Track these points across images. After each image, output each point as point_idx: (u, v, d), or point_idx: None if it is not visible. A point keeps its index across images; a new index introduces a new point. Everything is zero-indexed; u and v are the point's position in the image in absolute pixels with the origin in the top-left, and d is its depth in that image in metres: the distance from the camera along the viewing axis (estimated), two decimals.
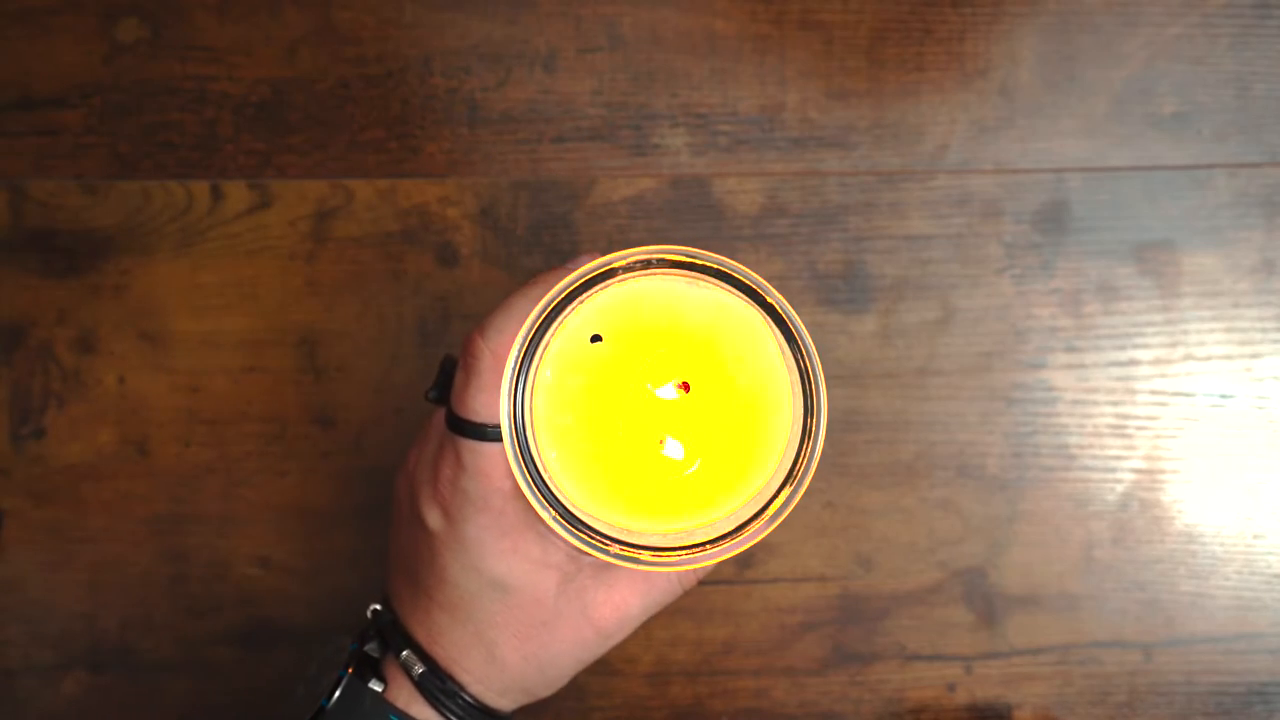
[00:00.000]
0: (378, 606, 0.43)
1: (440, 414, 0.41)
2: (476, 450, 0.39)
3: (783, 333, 0.35)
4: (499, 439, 0.37)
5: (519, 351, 0.34)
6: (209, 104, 0.54)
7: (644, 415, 0.36)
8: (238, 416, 0.54)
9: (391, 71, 0.54)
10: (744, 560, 0.54)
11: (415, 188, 0.54)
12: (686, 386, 0.36)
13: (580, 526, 0.34)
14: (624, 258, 0.34)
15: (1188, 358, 0.54)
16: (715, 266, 0.34)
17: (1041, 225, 0.54)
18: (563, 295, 0.34)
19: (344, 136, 0.54)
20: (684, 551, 0.35)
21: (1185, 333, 0.54)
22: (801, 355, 0.35)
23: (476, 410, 0.39)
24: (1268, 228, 0.54)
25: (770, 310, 0.35)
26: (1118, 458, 0.54)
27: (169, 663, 0.53)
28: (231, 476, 0.53)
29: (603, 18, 0.54)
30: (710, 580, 0.54)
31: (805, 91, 0.54)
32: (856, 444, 0.54)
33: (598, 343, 0.35)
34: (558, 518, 0.34)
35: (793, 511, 0.34)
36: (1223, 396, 0.54)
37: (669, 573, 0.41)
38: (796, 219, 0.54)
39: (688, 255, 0.34)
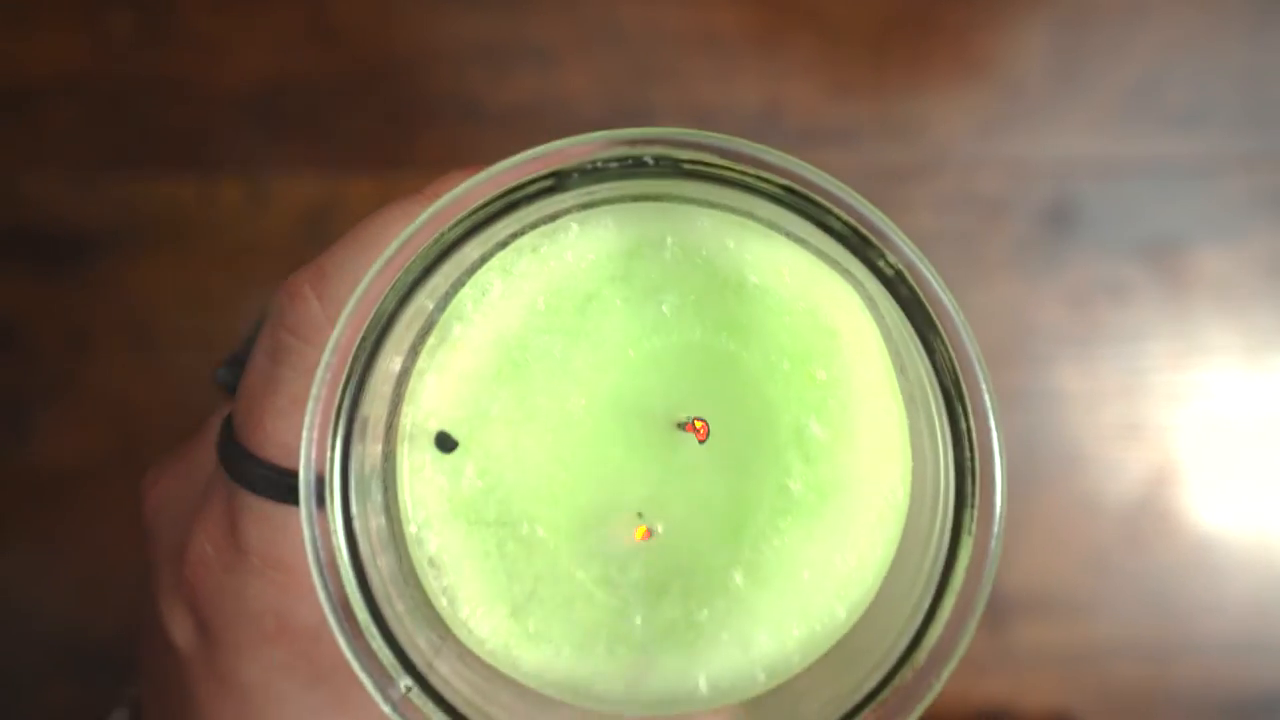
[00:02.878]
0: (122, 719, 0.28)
1: (214, 427, 0.24)
2: (269, 518, 0.22)
3: (916, 332, 0.18)
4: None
5: (365, 320, 0.18)
6: (203, 99, 0.54)
7: (615, 470, 0.20)
8: None
9: (389, 67, 0.54)
10: None
11: (412, 185, 0.54)
12: (701, 430, 0.20)
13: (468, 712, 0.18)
14: (590, 146, 0.18)
15: (1198, 357, 0.54)
16: (775, 181, 0.18)
17: (1049, 223, 0.54)
18: (474, 207, 0.18)
19: (340, 132, 0.53)
20: None
21: (1197, 331, 0.54)
22: (951, 382, 0.18)
23: (278, 438, 0.22)
24: (1279, 225, 0.54)
25: (893, 285, 0.18)
26: (1128, 459, 0.54)
27: None
28: None
29: (603, 13, 0.54)
30: None
31: (808, 87, 0.54)
32: None
33: (449, 450, 0.20)
34: (413, 695, 0.18)
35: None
36: (1234, 396, 0.53)
37: None
38: None
39: (713, 152, 0.18)
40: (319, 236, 0.54)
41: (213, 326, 0.54)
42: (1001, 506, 0.18)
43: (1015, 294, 0.55)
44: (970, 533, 0.18)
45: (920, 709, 0.18)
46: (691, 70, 0.55)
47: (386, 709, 0.17)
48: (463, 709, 0.17)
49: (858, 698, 0.17)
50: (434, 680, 0.17)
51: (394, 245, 0.18)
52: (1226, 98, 0.55)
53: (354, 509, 0.18)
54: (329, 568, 0.17)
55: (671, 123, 0.53)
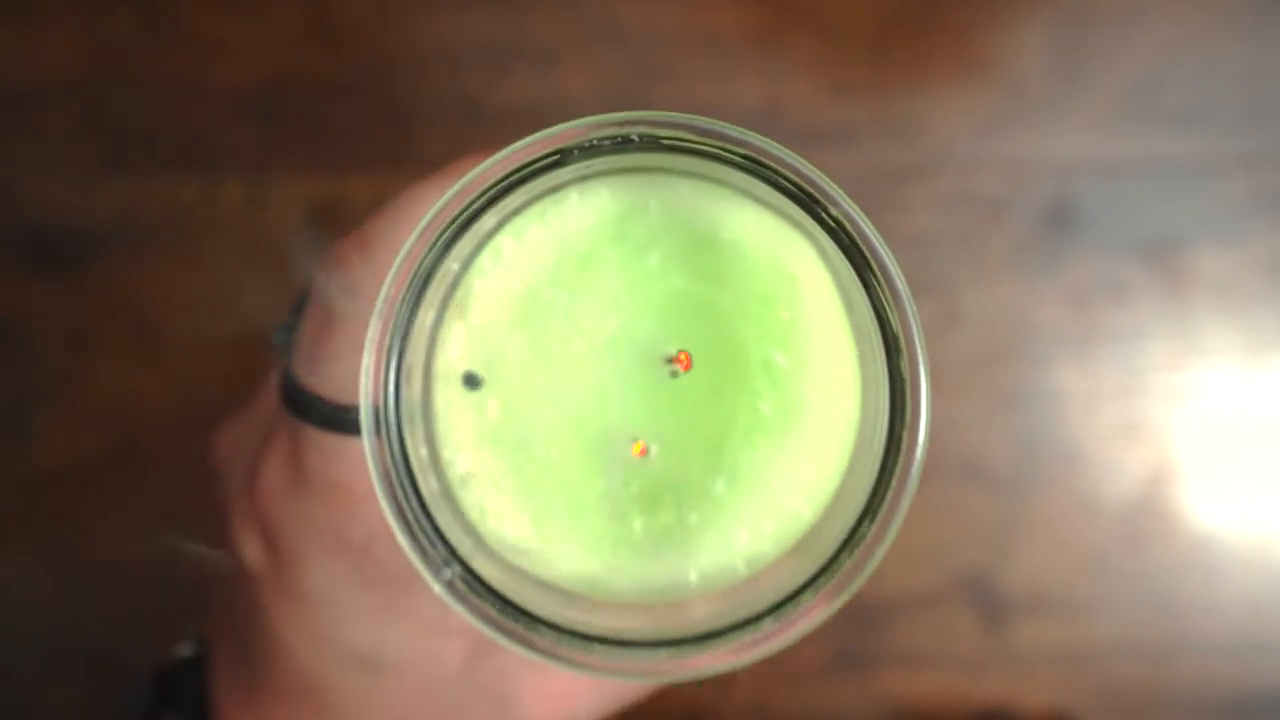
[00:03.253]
0: (188, 652, 0.31)
1: (270, 383, 0.28)
2: (326, 448, 0.25)
3: (857, 274, 0.22)
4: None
5: (410, 276, 0.21)
6: (203, 100, 0.54)
7: (614, 400, 0.23)
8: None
9: (389, 67, 0.54)
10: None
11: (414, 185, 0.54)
12: (685, 361, 0.23)
13: (495, 599, 0.21)
14: (586, 128, 0.22)
15: (1197, 357, 0.54)
16: (738, 151, 0.22)
17: (1049, 223, 0.54)
18: (493, 181, 0.22)
19: (340, 133, 0.54)
20: (672, 648, 0.21)
21: (1196, 331, 0.54)
22: (886, 313, 0.22)
23: (334, 378, 0.25)
24: (1279, 225, 0.54)
25: (836, 234, 0.22)
26: (1127, 459, 0.54)
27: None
28: None
29: (603, 12, 0.54)
30: None
31: (808, 86, 0.54)
32: None
33: (475, 387, 0.23)
34: (457, 581, 0.21)
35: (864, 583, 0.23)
36: (1233, 396, 0.54)
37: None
38: None
39: (687, 130, 0.22)
40: (320, 236, 0.54)
41: (214, 326, 0.54)
42: (926, 415, 0.22)
43: (1014, 294, 0.55)
44: (902, 436, 0.22)
45: (857, 585, 0.21)
46: (691, 70, 0.55)
47: (438, 589, 0.21)
48: (499, 589, 0.21)
49: (813, 573, 0.21)
50: (475, 567, 0.21)
51: (428, 216, 0.21)
52: (1226, 98, 0.55)
53: (405, 434, 0.21)
54: (388, 478, 0.21)
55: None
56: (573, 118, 0.57)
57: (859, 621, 0.54)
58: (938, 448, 0.55)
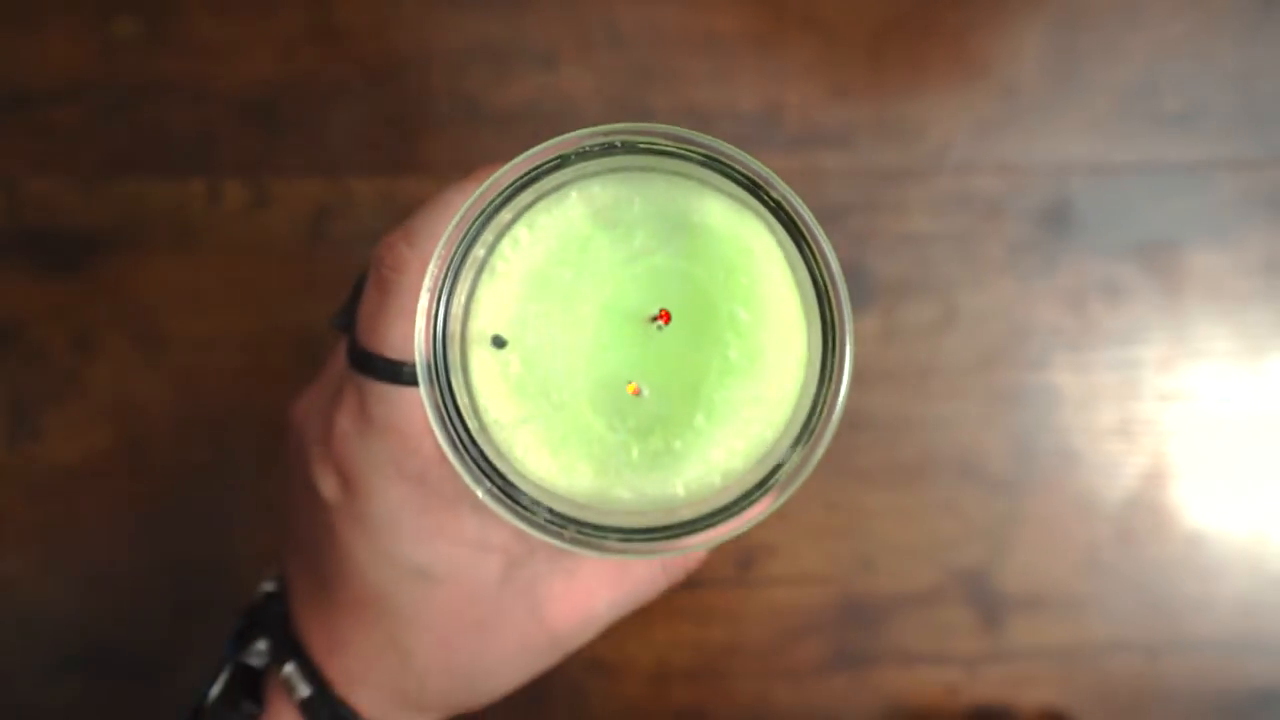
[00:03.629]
0: (270, 587, 0.36)
1: (343, 347, 0.34)
2: (387, 397, 0.31)
3: (795, 242, 0.28)
4: (417, 381, 0.29)
5: (449, 257, 0.27)
6: (206, 102, 0.54)
7: (612, 353, 0.29)
8: (236, 416, 0.54)
9: (391, 69, 0.54)
10: (745, 561, 0.54)
11: (414, 187, 0.54)
12: (665, 316, 0.29)
13: (527, 502, 0.28)
14: (579, 138, 0.28)
15: (1192, 357, 0.54)
16: (699, 151, 0.28)
17: (1045, 224, 0.54)
18: (509, 183, 0.28)
19: (343, 135, 0.54)
20: (665, 534, 0.28)
21: (1190, 332, 0.54)
22: (818, 271, 0.28)
23: (391, 341, 0.31)
24: (1273, 226, 0.54)
25: (777, 211, 0.28)
26: (1122, 458, 0.54)
27: (167, 664, 0.53)
28: (230, 476, 0.53)
29: (603, 16, 0.54)
30: (710, 582, 0.54)
31: (806, 89, 0.54)
32: (858, 444, 0.54)
33: (501, 347, 0.29)
34: (495, 491, 0.28)
35: (803, 483, 0.29)
36: (1227, 396, 0.54)
37: (650, 561, 0.34)
38: None
39: (660, 136, 0.28)
40: (321, 237, 0.55)
41: (216, 327, 0.54)
42: (851, 349, 0.28)
43: (1010, 294, 0.55)
44: (833, 365, 0.28)
45: (796, 485, 0.28)
46: (690, 72, 0.55)
47: (480, 494, 0.27)
48: (531, 492, 0.28)
49: (764, 475, 0.28)
50: (510, 479, 0.28)
51: (460, 212, 0.27)
52: (1220, 100, 0.55)
53: (452, 382, 0.27)
54: (441, 415, 0.27)
55: (669, 124, 0.54)
56: (573, 121, 0.57)
57: (856, 620, 0.55)
58: (936, 447, 0.55)
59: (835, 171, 0.55)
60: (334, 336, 0.36)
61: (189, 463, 0.55)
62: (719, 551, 0.55)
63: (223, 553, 0.54)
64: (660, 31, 0.55)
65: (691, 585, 0.55)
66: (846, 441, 0.55)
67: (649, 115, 0.55)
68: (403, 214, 0.55)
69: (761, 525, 0.52)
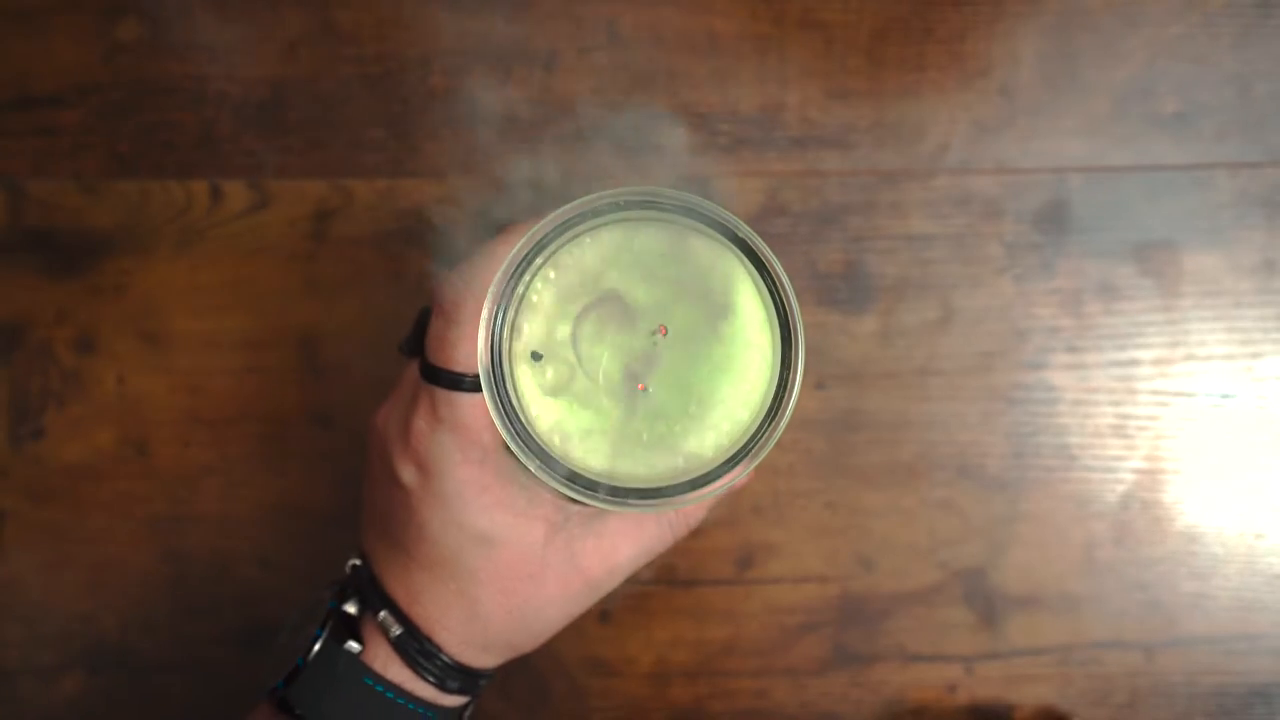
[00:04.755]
0: (357, 561, 0.44)
1: (413, 367, 0.42)
2: (453, 402, 0.39)
3: (755, 267, 0.37)
4: (476, 389, 0.39)
5: (498, 294, 0.36)
6: (208, 103, 0.54)
7: (623, 361, 0.37)
8: (238, 416, 0.54)
9: (391, 71, 0.54)
10: (744, 561, 0.54)
11: (415, 187, 0.55)
12: (664, 330, 0.37)
13: (565, 474, 0.36)
14: (592, 200, 0.36)
15: (1189, 358, 0.54)
16: (681, 204, 0.36)
17: (1042, 225, 0.54)
18: (540, 236, 0.36)
19: (343, 136, 0.54)
20: (671, 492, 0.36)
21: (1186, 332, 0.54)
22: (775, 287, 0.36)
23: (454, 358, 0.39)
24: (1269, 227, 0.54)
25: (743, 245, 0.36)
26: (1118, 458, 0.54)
27: (168, 663, 0.54)
28: (231, 476, 0.54)
29: (602, 17, 0.54)
30: (710, 581, 0.54)
31: (805, 91, 0.54)
32: (857, 444, 0.54)
33: (538, 361, 0.37)
34: (543, 467, 0.36)
35: (773, 448, 0.36)
36: (1224, 396, 0.54)
37: (659, 519, 0.42)
38: (796, 218, 0.54)
39: (653, 195, 0.36)
40: (323, 238, 0.55)
41: (217, 327, 0.55)
42: (802, 348, 0.36)
43: (1008, 295, 0.55)
44: (790, 361, 0.36)
45: (763, 454, 0.36)
46: (690, 75, 0.55)
47: (533, 469, 0.36)
48: (568, 469, 0.36)
49: (740, 449, 0.37)
50: (553, 457, 0.36)
51: (507, 260, 0.36)
52: (1217, 102, 0.56)
53: (507, 388, 0.36)
54: (501, 411, 0.35)
55: (669, 126, 0.54)
56: (572, 122, 0.58)
57: (855, 618, 0.55)
58: (934, 447, 0.55)
59: (834, 172, 0.56)
60: (399, 359, 0.44)
61: (190, 463, 0.55)
62: (719, 552, 0.55)
63: (223, 553, 0.55)
64: (660, 32, 0.56)
65: (691, 584, 0.55)
66: (846, 441, 0.55)
67: (649, 115, 0.55)
68: (403, 214, 0.55)
69: (761, 525, 0.53)
